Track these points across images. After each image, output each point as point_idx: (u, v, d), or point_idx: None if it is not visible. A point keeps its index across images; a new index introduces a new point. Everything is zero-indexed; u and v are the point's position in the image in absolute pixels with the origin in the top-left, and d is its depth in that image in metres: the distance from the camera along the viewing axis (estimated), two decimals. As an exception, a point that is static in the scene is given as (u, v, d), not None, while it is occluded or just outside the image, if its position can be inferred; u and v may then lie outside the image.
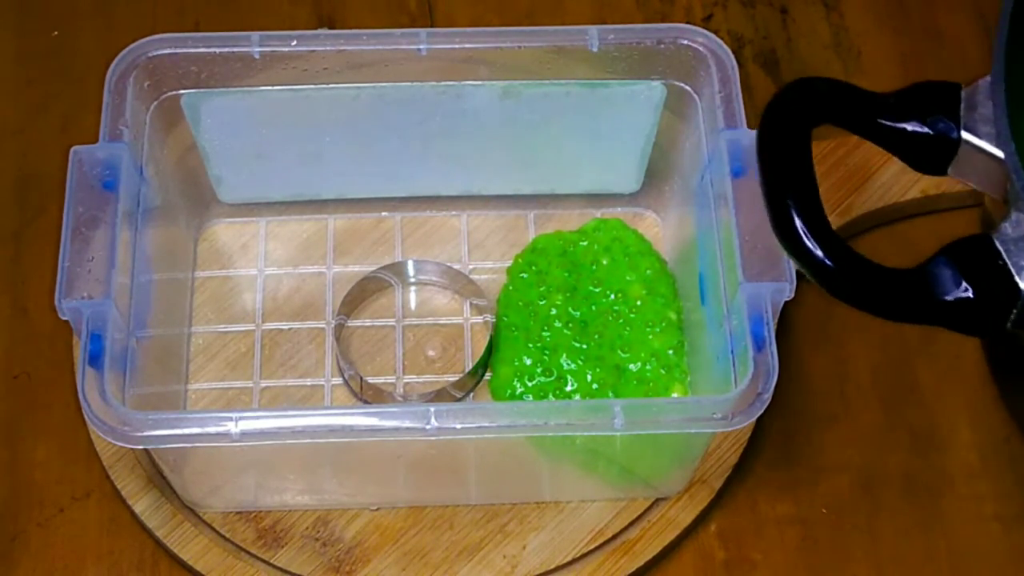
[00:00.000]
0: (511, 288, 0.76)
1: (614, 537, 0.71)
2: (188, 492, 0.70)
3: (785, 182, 0.58)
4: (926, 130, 0.61)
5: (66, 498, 0.72)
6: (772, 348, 0.63)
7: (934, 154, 0.61)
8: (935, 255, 0.58)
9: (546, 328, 0.74)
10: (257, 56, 0.70)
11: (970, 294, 0.57)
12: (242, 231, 0.78)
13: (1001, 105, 0.58)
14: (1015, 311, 0.57)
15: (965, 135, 0.60)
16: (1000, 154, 0.59)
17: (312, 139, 0.75)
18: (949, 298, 0.57)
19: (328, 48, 0.71)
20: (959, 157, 0.61)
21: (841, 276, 0.57)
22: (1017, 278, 0.57)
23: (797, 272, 0.63)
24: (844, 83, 0.61)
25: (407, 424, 0.62)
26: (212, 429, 0.62)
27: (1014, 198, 0.58)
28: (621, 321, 0.74)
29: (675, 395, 0.72)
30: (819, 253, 0.57)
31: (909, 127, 0.61)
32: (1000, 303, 0.57)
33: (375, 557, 0.70)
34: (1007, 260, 0.57)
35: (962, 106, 0.60)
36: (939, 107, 0.61)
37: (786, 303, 0.65)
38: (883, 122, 0.61)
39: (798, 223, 0.57)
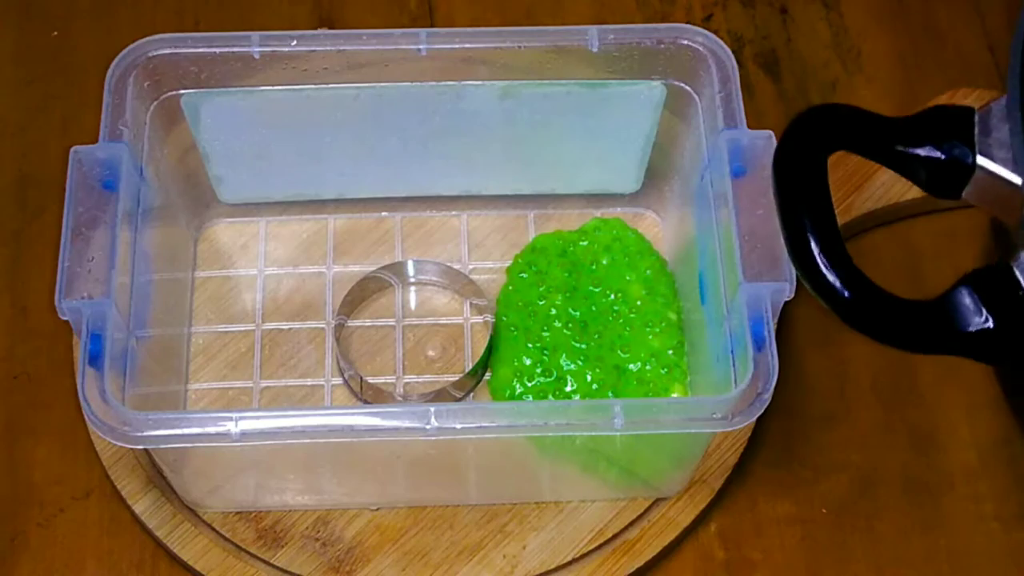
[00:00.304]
0: (511, 288, 0.76)
1: (614, 537, 0.71)
2: (188, 492, 0.70)
3: (802, 212, 0.58)
4: (940, 155, 0.60)
5: (66, 498, 0.72)
6: (772, 348, 0.63)
7: (949, 179, 0.60)
8: (954, 286, 0.58)
9: (546, 328, 0.74)
10: (257, 56, 0.70)
11: (990, 324, 0.57)
12: (242, 231, 0.78)
13: (1017, 131, 0.58)
14: None
15: (980, 160, 0.59)
16: (1016, 179, 0.58)
17: (312, 139, 0.74)
18: (970, 329, 0.57)
19: (328, 48, 0.71)
20: (974, 182, 0.60)
21: (860, 308, 0.57)
22: None
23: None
24: (858, 109, 0.61)
25: (407, 424, 0.62)
26: (212, 429, 0.62)
27: (1031, 224, 0.58)
28: (621, 321, 0.74)
29: (675, 395, 0.72)
30: (838, 284, 0.57)
31: (923, 152, 0.60)
32: (1020, 332, 0.57)
33: (375, 557, 0.70)
34: None
35: (976, 130, 0.60)
36: (953, 132, 0.60)
37: (786, 303, 0.65)
38: (898, 148, 0.60)
39: (817, 254, 0.57)
